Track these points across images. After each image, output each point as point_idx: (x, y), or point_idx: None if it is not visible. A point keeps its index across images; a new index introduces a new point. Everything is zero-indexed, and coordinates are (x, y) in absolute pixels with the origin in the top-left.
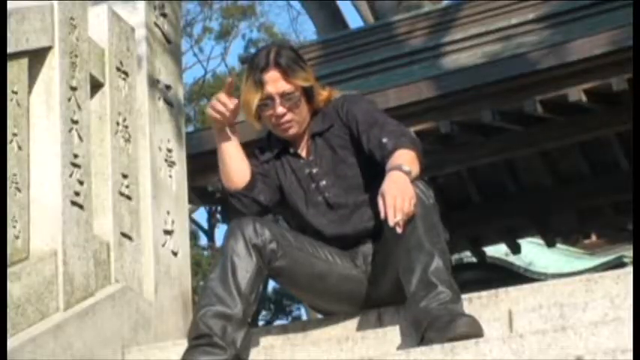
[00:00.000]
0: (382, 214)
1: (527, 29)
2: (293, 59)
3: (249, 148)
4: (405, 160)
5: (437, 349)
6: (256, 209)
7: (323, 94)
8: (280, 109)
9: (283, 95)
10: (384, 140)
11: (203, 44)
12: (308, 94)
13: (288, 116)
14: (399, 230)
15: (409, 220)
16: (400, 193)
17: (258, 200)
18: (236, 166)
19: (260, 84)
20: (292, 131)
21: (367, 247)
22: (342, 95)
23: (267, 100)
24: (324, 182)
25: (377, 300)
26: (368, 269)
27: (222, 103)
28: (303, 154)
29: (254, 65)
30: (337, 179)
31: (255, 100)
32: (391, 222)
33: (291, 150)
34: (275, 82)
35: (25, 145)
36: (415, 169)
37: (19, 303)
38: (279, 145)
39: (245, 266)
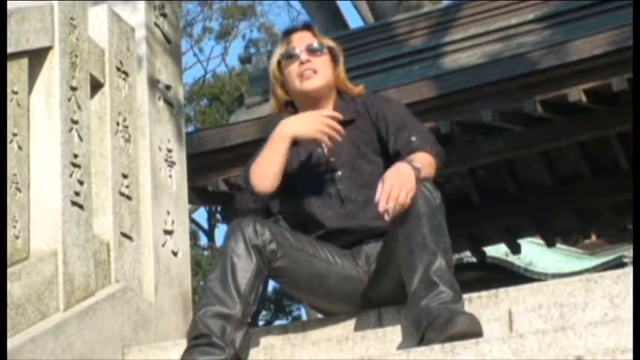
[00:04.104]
0: (376, 199)
1: (527, 29)
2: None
3: (251, 147)
4: (421, 160)
5: (437, 349)
6: (260, 211)
7: (354, 88)
8: (304, 56)
9: (308, 47)
10: (413, 139)
11: (203, 44)
12: (334, 56)
13: (312, 64)
14: (386, 218)
15: (414, 219)
16: (399, 183)
17: (269, 208)
18: (277, 174)
19: (287, 42)
20: (316, 82)
21: (370, 247)
22: (373, 93)
23: (292, 51)
24: (339, 173)
25: (378, 300)
26: (370, 269)
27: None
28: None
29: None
30: (353, 172)
31: (278, 54)
32: (381, 208)
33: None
34: (301, 38)
35: (25, 145)
36: (427, 171)
37: (19, 303)
38: None
39: (245, 267)
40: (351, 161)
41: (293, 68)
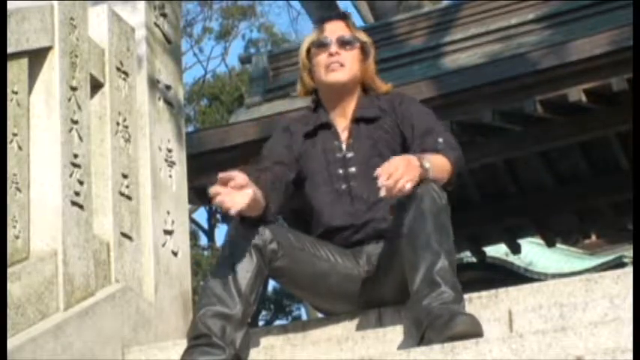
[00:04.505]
0: (377, 172)
1: (527, 29)
2: (355, 24)
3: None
4: (436, 161)
5: (437, 349)
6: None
7: (382, 85)
8: (334, 47)
9: (340, 39)
10: (440, 140)
11: (203, 44)
12: (365, 52)
13: (341, 57)
14: (382, 193)
15: (420, 219)
16: (403, 168)
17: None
18: (254, 209)
19: (320, 30)
20: (341, 76)
21: (372, 248)
22: (401, 93)
23: (323, 40)
24: (353, 169)
25: (378, 300)
26: (371, 269)
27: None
28: (343, 136)
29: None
30: (368, 171)
31: (309, 41)
32: (381, 182)
33: (332, 129)
34: (335, 28)
35: (25, 145)
36: (436, 174)
37: (19, 303)
38: (321, 119)
39: (245, 266)
40: (367, 159)
41: (322, 58)
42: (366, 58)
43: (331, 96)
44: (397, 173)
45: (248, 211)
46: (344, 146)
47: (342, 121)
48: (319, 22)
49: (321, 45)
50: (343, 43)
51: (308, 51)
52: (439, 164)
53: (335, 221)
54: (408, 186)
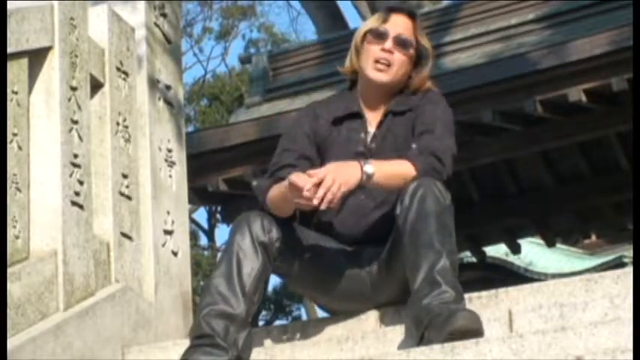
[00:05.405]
0: (306, 183)
1: (527, 29)
2: (423, 27)
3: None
4: (387, 167)
5: (437, 349)
6: None
7: (427, 83)
8: (389, 44)
9: (398, 37)
10: (414, 146)
11: (203, 44)
12: (419, 59)
13: (391, 57)
14: (305, 193)
15: (423, 218)
16: (339, 178)
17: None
18: (287, 212)
19: (382, 19)
20: (383, 77)
21: (375, 247)
22: (431, 90)
23: (382, 31)
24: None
25: (381, 300)
26: (374, 269)
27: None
28: (370, 128)
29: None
30: None
31: (369, 26)
32: (309, 193)
33: (361, 118)
34: (398, 23)
35: (25, 145)
36: (384, 180)
37: (19, 303)
38: (353, 107)
39: (251, 264)
40: (388, 153)
41: (373, 49)
42: (418, 65)
43: (368, 89)
44: (328, 181)
45: (282, 209)
46: (369, 139)
47: (372, 113)
48: (387, 10)
49: (378, 35)
50: (399, 43)
51: (364, 35)
52: (391, 170)
53: (342, 212)
54: (338, 195)
